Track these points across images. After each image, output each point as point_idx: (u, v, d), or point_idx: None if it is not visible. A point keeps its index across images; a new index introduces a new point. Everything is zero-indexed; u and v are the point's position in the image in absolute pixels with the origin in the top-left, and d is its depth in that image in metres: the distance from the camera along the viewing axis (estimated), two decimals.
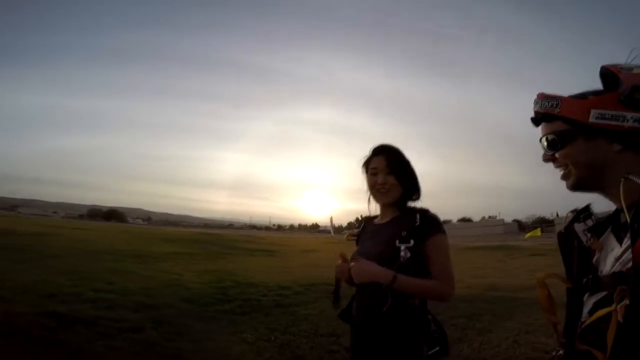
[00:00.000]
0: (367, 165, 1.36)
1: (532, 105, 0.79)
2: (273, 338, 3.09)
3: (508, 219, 53.95)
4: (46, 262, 6.63)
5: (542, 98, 0.75)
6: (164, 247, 12.51)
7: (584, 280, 0.74)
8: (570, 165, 0.74)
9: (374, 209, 1.40)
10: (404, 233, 1.17)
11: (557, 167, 0.78)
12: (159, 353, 2.64)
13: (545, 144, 0.76)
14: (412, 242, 1.16)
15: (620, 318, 0.61)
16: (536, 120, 0.79)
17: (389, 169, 1.28)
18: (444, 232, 1.22)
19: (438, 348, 1.14)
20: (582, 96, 0.73)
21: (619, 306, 0.63)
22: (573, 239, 0.82)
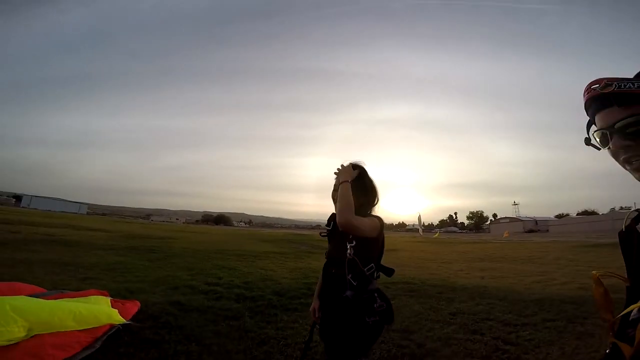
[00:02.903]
0: None
1: (588, 92, 0.73)
2: None
3: None
4: (171, 261, 8.13)
5: (620, 80, 0.69)
6: (261, 247, 13.91)
7: None
8: None
9: None
10: (350, 235, 1.54)
11: (632, 157, 0.71)
12: (251, 338, 3.10)
13: (630, 128, 0.69)
14: (354, 242, 1.53)
15: None
16: (616, 101, 0.70)
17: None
18: (376, 217, 1.61)
19: (378, 318, 1.51)
20: None
21: None
22: (634, 237, 0.80)
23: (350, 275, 1.53)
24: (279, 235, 26.79)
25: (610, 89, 0.69)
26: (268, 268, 8.02)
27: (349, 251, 1.53)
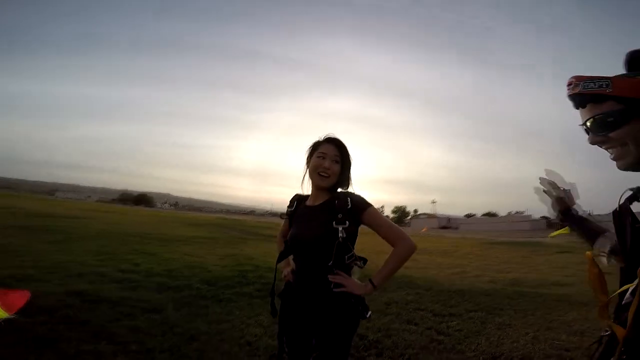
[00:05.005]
0: (315, 148, 1.47)
1: (567, 89, 0.77)
2: None
3: (536, 215, 51.82)
4: (77, 244, 6.98)
5: (586, 80, 0.73)
6: (188, 231, 12.89)
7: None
8: (629, 144, 0.73)
9: (307, 189, 1.52)
10: (340, 215, 1.34)
11: (608, 148, 0.77)
12: (178, 334, 2.69)
13: (596, 125, 0.75)
14: (347, 223, 1.34)
15: None
16: (581, 102, 0.77)
17: (337, 158, 1.43)
18: (371, 205, 1.39)
19: (371, 312, 1.38)
20: (625, 76, 0.72)
21: None
22: (628, 217, 0.80)
23: (331, 262, 1.33)
24: (208, 220, 25.36)
25: (577, 90, 0.75)
26: (195, 254, 7.39)
27: (340, 234, 1.32)
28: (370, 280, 1.34)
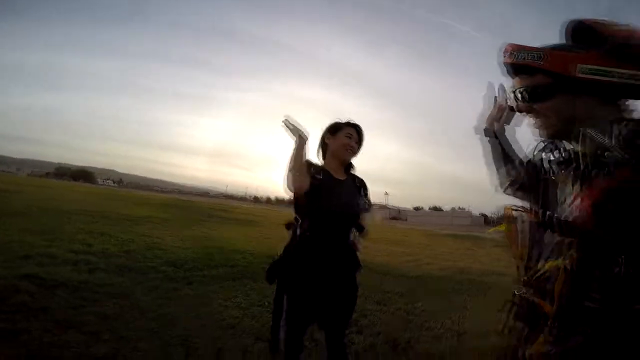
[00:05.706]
0: (337, 129, 1.70)
1: (502, 56, 0.78)
2: (267, 304, 3.05)
3: (476, 212, 56.38)
4: (12, 221, 6.22)
5: (520, 49, 0.74)
6: (137, 211, 12.03)
7: (547, 216, 0.72)
8: (552, 117, 0.75)
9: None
10: (363, 192, 1.69)
11: (532, 117, 0.80)
12: (153, 319, 2.56)
13: (524, 95, 0.77)
14: (367, 193, 1.71)
15: (568, 268, 0.65)
16: (512, 71, 0.79)
17: (358, 140, 1.70)
18: None
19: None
20: (562, 49, 0.73)
21: (567, 258, 0.67)
22: (539, 169, 0.83)
23: (364, 230, 1.67)
24: (157, 199, 23.93)
25: (510, 59, 0.75)
26: (153, 235, 7.00)
27: (361, 205, 1.67)
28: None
